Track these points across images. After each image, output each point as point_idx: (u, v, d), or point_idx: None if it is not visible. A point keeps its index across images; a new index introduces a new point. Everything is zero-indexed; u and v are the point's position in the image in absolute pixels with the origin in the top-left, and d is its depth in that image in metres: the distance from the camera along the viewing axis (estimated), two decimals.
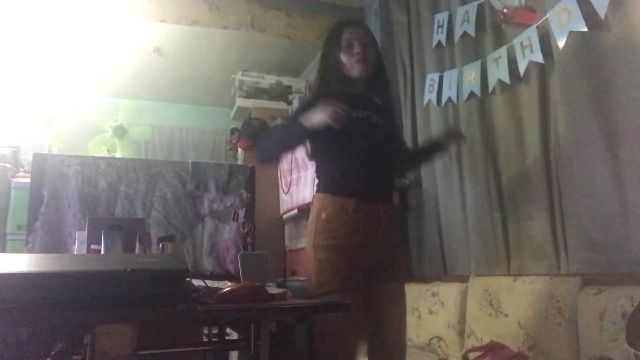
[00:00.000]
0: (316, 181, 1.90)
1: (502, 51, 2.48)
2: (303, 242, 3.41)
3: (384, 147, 1.83)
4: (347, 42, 1.81)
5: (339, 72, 1.83)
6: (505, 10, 2.49)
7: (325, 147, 1.85)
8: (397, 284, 1.85)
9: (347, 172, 1.77)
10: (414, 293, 2.92)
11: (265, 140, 2.04)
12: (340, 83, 1.83)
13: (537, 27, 2.27)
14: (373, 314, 1.78)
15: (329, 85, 1.85)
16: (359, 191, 1.75)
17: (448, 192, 2.91)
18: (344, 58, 1.81)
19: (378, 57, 1.90)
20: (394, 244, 1.85)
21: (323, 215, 1.76)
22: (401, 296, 1.86)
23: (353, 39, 1.81)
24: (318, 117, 1.63)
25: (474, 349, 2.28)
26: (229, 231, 2.53)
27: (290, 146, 1.95)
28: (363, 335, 1.80)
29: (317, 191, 1.85)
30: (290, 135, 1.83)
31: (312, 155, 1.95)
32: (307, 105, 1.78)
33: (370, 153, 1.79)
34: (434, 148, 2.15)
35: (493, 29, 2.62)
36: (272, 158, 2.03)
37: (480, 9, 2.69)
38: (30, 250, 2.22)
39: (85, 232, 1.90)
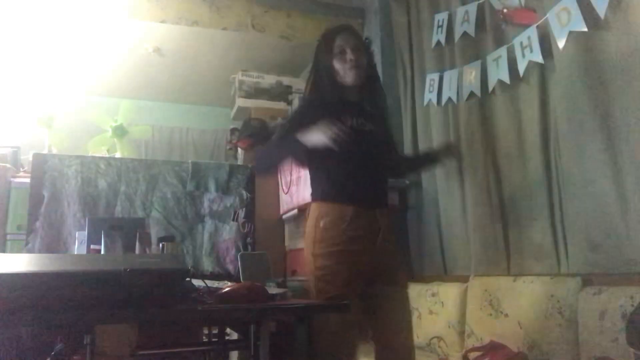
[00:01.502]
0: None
1: (502, 51, 2.48)
2: (303, 242, 3.41)
3: (376, 154, 1.84)
4: (339, 49, 1.78)
5: (332, 79, 1.80)
6: (505, 10, 2.49)
7: (320, 156, 1.83)
8: (400, 289, 1.84)
9: (343, 180, 1.78)
10: (414, 293, 2.91)
11: (264, 152, 2.04)
12: (333, 91, 1.80)
13: (537, 27, 2.27)
14: (378, 320, 1.78)
15: (322, 93, 1.82)
16: (356, 198, 1.76)
17: (448, 192, 2.91)
18: (337, 65, 1.78)
19: (370, 63, 1.87)
20: (392, 249, 1.84)
21: (321, 224, 1.76)
22: (405, 301, 1.85)
23: (345, 45, 1.78)
24: (318, 137, 1.63)
25: (474, 349, 2.28)
26: (229, 231, 2.53)
27: (287, 160, 1.95)
28: (366, 340, 1.81)
29: (314, 199, 1.84)
30: (288, 150, 1.81)
31: (304, 163, 1.93)
32: (303, 115, 1.80)
33: (364, 160, 1.80)
34: (430, 159, 2.23)
35: (493, 29, 2.62)
36: (269, 170, 2.07)
37: (480, 9, 2.69)
38: (30, 250, 2.22)
39: (85, 232, 1.90)
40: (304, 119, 1.75)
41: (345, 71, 1.78)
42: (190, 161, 2.60)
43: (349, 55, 1.77)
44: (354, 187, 1.77)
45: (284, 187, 3.84)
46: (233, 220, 2.54)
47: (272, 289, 1.63)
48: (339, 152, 1.70)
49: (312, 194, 1.86)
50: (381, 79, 3.55)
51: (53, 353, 1.27)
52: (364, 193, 1.78)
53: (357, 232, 1.74)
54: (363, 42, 1.87)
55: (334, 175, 1.80)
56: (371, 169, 1.81)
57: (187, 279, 1.32)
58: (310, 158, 1.85)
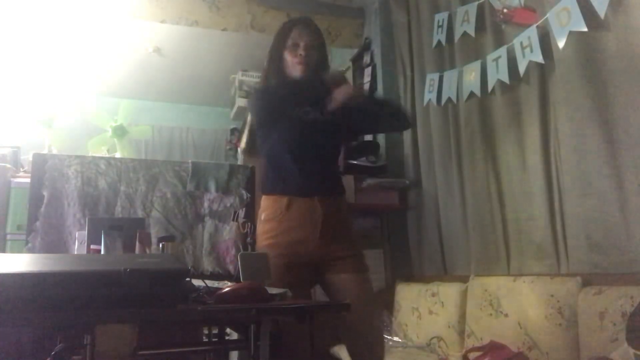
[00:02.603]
0: None
1: (502, 51, 2.48)
2: None
3: (321, 142, 1.84)
4: (292, 42, 1.83)
5: (280, 69, 1.86)
6: (505, 10, 2.49)
7: (262, 148, 1.91)
8: (358, 276, 1.81)
9: (278, 171, 1.84)
10: (414, 293, 2.92)
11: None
12: (279, 80, 1.86)
13: (537, 27, 2.27)
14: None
15: (270, 81, 1.89)
16: (291, 188, 1.80)
17: (448, 192, 2.91)
18: (287, 57, 1.83)
19: (322, 59, 1.88)
20: (342, 235, 1.82)
21: (262, 217, 1.83)
22: (367, 288, 1.83)
23: (299, 39, 1.82)
24: None
25: (474, 349, 2.28)
26: (229, 231, 2.52)
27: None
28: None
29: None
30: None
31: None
32: (255, 101, 1.96)
33: (303, 148, 1.81)
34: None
35: (493, 29, 2.62)
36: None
37: (480, 9, 2.69)
38: (30, 250, 2.22)
39: (85, 232, 1.90)
40: (256, 103, 1.91)
41: (294, 65, 1.82)
42: (190, 161, 2.59)
43: (300, 51, 1.81)
44: (289, 177, 1.81)
45: None
46: (233, 220, 2.54)
47: (272, 289, 1.63)
48: (275, 140, 1.83)
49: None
50: (381, 78, 3.58)
51: (53, 353, 1.27)
52: (299, 182, 1.80)
53: (293, 222, 1.77)
54: (320, 38, 1.89)
55: (271, 167, 1.87)
56: (310, 157, 1.82)
57: (187, 279, 1.32)
58: (258, 147, 1.92)
